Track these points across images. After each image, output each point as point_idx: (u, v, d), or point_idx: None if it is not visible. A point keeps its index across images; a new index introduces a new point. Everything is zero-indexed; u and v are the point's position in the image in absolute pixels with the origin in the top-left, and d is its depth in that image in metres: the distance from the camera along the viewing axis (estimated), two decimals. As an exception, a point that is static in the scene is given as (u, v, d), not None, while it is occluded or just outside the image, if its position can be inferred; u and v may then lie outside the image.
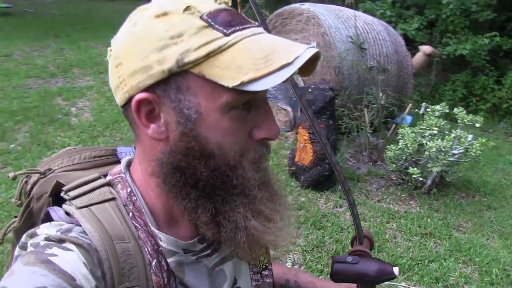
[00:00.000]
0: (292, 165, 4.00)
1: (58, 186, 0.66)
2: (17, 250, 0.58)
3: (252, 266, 0.77)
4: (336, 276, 0.82)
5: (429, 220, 3.63)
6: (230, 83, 0.53)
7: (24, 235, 0.59)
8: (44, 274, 0.50)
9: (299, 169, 3.91)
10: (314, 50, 0.54)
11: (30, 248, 0.55)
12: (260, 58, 0.53)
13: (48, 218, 0.64)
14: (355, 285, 0.90)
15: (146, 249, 0.61)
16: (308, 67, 0.58)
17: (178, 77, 0.55)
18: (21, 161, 3.94)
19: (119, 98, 0.60)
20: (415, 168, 3.70)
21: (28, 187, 0.71)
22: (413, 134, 3.78)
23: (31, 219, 0.68)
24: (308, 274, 1.02)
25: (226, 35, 0.54)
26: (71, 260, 0.53)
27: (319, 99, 3.64)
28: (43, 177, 0.69)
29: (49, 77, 6.30)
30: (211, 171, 0.59)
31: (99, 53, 7.68)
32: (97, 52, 7.78)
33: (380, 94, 4.33)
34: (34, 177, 0.71)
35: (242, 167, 0.59)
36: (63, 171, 0.69)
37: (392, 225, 3.53)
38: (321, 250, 3.11)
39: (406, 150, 3.77)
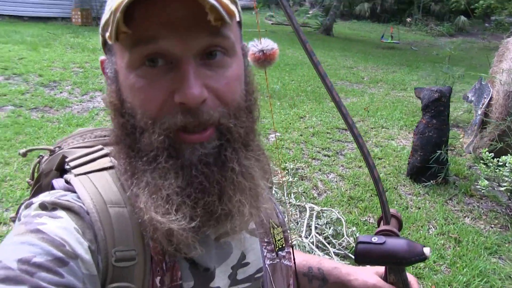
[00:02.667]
0: (410, 157, 4.56)
1: (64, 162, 0.66)
2: (16, 222, 0.58)
3: (266, 243, 0.73)
4: (360, 258, 0.76)
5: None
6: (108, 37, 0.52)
7: (22, 206, 0.59)
8: (32, 244, 0.50)
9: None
10: None
11: (22, 219, 0.56)
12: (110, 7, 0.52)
13: (53, 190, 0.63)
14: (382, 269, 0.87)
15: None
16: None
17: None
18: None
19: None
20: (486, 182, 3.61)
21: (41, 166, 0.72)
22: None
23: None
24: (331, 261, 0.96)
25: None
26: (61, 227, 0.53)
27: (426, 98, 4.14)
28: (53, 155, 0.70)
29: (357, 83, 8.44)
30: (122, 129, 0.58)
31: (404, 78, 9.10)
32: (405, 78, 9.21)
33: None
34: (46, 156, 0.72)
35: (150, 131, 0.55)
36: (72, 149, 0.69)
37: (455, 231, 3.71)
38: (356, 205, 3.90)
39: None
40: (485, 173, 3.76)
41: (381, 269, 0.88)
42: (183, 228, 0.55)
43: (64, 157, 0.67)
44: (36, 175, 0.72)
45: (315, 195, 3.97)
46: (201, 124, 0.56)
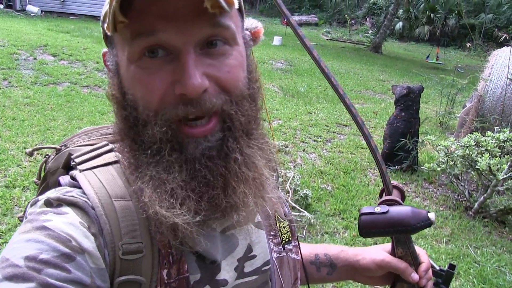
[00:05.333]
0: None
1: (70, 159, 0.66)
2: (23, 220, 0.57)
3: (272, 236, 0.73)
4: (365, 230, 0.75)
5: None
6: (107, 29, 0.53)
7: (28, 204, 0.60)
8: (39, 241, 0.50)
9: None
10: None
11: (28, 217, 0.55)
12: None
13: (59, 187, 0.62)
14: (389, 246, 0.86)
15: None
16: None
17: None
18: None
19: None
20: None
21: (47, 165, 0.73)
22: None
23: None
24: (338, 245, 0.95)
25: None
26: (66, 223, 0.53)
27: (397, 93, 4.75)
28: (59, 153, 0.71)
29: (381, 93, 8.99)
30: (125, 122, 0.58)
31: (430, 93, 9.49)
32: (431, 93, 9.60)
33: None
34: (53, 155, 0.73)
35: (151, 123, 0.56)
36: (78, 147, 0.70)
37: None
38: (321, 176, 4.59)
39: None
40: (438, 159, 4.30)
41: (388, 246, 0.86)
42: (188, 222, 0.55)
43: (70, 154, 0.66)
44: (43, 174, 0.73)
45: (291, 166, 4.69)
46: (205, 113, 0.56)
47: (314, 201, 3.97)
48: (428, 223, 0.72)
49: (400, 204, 0.76)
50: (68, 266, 0.50)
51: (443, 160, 3.93)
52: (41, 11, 13.58)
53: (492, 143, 3.86)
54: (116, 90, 0.59)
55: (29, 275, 0.47)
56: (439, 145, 3.97)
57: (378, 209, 0.74)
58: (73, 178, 0.62)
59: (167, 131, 0.56)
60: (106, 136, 0.73)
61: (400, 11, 20.59)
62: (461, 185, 4.25)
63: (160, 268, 0.58)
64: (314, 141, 5.56)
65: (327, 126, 6.18)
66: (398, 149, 4.69)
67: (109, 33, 0.53)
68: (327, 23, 24.06)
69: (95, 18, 13.84)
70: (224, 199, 0.58)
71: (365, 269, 0.87)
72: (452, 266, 0.87)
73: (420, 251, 0.85)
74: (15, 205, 3.25)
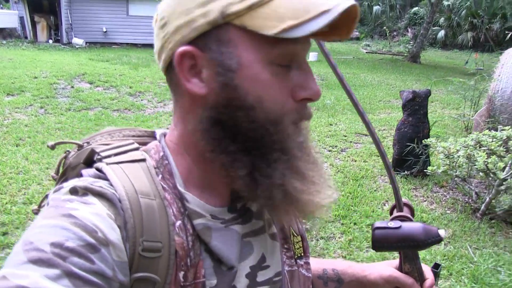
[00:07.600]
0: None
1: (93, 155, 0.65)
2: (45, 206, 0.58)
3: (285, 249, 0.74)
4: (378, 244, 0.78)
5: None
6: (270, 31, 0.53)
7: (50, 192, 0.60)
8: (65, 228, 0.50)
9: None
10: (352, 2, 0.54)
11: (51, 203, 0.55)
12: (300, 9, 0.54)
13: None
14: (396, 262, 0.88)
15: (171, 210, 0.61)
16: (346, 27, 0.58)
17: (220, 30, 0.57)
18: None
19: (163, 59, 0.62)
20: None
21: (67, 160, 0.72)
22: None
23: None
24: (345, 261, 1.01)
25: None
26: (93, 213, 0.53)
27: (404, 98, 4.77)
28: (81, 149, 0.70)
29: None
30: (251, 123, 0.59)
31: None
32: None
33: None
34: (74, 151, 0.72)
35: (283, 123, 0.59)
36: (100, 145, 0.69)
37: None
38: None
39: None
40: (445, 162, 4.24)
41: (395, 262, 0.89)
42: (332, 201, 0.65)
43: (93, 150, 0.66)
44: (61, 170, 0.72)
45: (300, 176, 4.77)
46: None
47: (313, 207, 4.03)
48: (438, 239, 0.76)
49: (411, 220, 0.80)
50: (92, 257, 0.50)
51: (443, 162, 3.88)
52: (86, 42, 14.63)
53: (490, 142, 3.77)
54: (236, 92, 0.58)
55: (55, 261, 0.47)
56: (438, 147, 3.93)
57: (391, 224, 0.77)
58: (98, 170, 0.62)
59: (294, 131, 0.62)
60: (128, 137, 0.74)
61: (442, 19, 20.16)
62: (468, 186, 4.16)
63: (176, 269, 0.59)
64: (329, 151, 5.62)
65: (345, 136, 6.21)
66: (407, 154, 4.67)
67: (269, 33, 0.54)
68: (369, 36, 23.95)
69: (135, 45, 14.71)
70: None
71: (373, 284, 0.89)
72: (436, 265, 0.91)
73: (425, 267, 0.88)
74: (29, 219, 3.55)
